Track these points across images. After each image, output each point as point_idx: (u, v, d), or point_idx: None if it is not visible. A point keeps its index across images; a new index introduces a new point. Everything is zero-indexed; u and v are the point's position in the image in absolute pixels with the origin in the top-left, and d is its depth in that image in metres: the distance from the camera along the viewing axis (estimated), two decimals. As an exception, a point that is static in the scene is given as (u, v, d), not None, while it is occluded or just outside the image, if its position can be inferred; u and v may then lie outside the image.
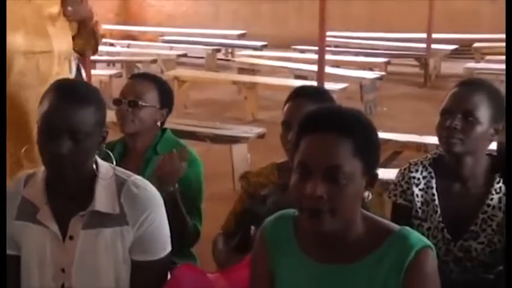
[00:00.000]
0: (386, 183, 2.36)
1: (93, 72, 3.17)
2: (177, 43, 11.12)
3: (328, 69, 6.90)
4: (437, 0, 9.55)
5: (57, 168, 1.75)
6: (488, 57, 9.26)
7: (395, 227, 1.58)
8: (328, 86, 6.19)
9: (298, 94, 2.31)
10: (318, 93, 2.34)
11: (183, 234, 2.32)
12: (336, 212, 1.48)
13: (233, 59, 10.51)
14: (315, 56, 6.59)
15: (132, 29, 13.05)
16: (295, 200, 1.53)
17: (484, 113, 2.10)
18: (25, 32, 2.68)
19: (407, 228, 1.57)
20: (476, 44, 10.15)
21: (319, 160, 1.49)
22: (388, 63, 9.24)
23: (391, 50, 10.04)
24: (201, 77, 8.63)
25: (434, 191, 2.19)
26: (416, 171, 2.22)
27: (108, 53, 9.81)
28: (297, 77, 8.33)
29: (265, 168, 2.42)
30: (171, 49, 10.62)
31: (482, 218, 2.14)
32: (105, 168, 1.84)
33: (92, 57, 4.73)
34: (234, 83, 8.12)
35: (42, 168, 1.82)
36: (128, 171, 1.88)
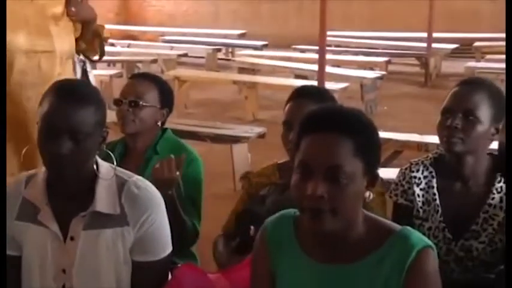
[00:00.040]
0: (388, 182, 2.35)
1: (93, 72, 3.17)
2: (177, 43, 11.12)
3: (328, 69, 6.90)
4: (437, 0, 9.55)
5: (58, 168, 1.74)
6: (488, 56, 9.26)
7: (396, 227, 1.57)
8: (329, 85, 6.19)
9: (300, 94, 2.31)
10: (319, 93, 2.33)
11: (182, 235, 2.31)
12: (337, 212, 1.48)
13: (233, 58, 10.52)
14: (316, 56, 6.59)
15: (132, 29, 13.05)
16: (296, 200, 1.53)
17: (484, 112, 2.09)
18: (27, 32, 2.68)
19: (408, 228, 1.57)
20: (476, 43, 10.16)
21: (320, 160, 1.49)
22: (388, 62, 9.24)
23: (392, 50, 10.04)
24: (201, 77, 8.63)
25: (435, 190, 2.19)
26: (417, 170, 2.22)
27: (109, 53, 9.77)
28: (298, 76, 8.33)
29: (267, 169, 2.42)
30: (171, 49, 10.63)
31: (484, 218, 2.14)
32: (105, 168, 1.84)
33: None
34: (235, 82, 8.12)
35: (43, 168, 1.82)
36: (128, 172, 1.88)
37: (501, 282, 1.92)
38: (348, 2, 12.10)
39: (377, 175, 1.57)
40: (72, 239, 1.80)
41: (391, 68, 9.39)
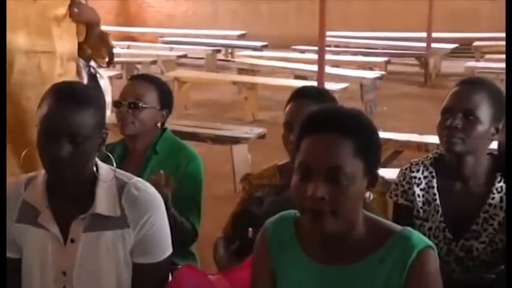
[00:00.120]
0: (388, 183, 2.35)
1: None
2: (176, 44, 11.12)
3: (328, 69, 6.91)
4: (436, 0, 9.56)
5: (57, 171, 1.74)
6: (488, 56, 9.26)
7: (397, 227, 1.57)
8: (329, 86, 6.20)
9: (300, 95, 2.30)
10: (320, 94, 2.33)
11: (178, 237, 2.32)
12: (338, 213, 1.48)
13: (233, 59, 10.51)
14: (315, 56, 6.60)
15: (131, 30, 13.05)
16: (296, 201, 1.52)
17: (484, 112, 2.09)
18: (27, 32, 2.69)
19: (409, 228, 1.57)
20: (476, 43, 10.17)
21: (320, 161, 1.48)
22: (388, 62, 9.25)
23: (391, 50, 10.05)
24: (201, 78, 8.63)
25: (435, 190, 2.19)
26: (418, 171, 2.21)
27: (108, 54, 9.79)
28: (297, 77, 8.33)
29: (267, 170, 2.42)
30: (171, 50, 10.63)
31: (484, 218, 2.14)
32: (105, 170, 1.83)
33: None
34: (234, 83, 8.13)
35: (43, 171, 1.82)
36: (128, 174, 1.88)
37: (502, 282, 1.92)
38: (347, 2, 12.11)
39: (377, 175, 1.57)
40: (72, 241, 1.79)
41: (390, 68, 9.39)
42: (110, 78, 8.00)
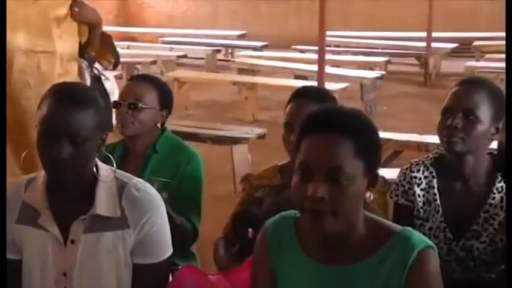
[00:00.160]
0: (389, 182, 2.35)
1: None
2: (176, 44, 11.12)
3: (328, 69, 6.91)
4: (436, -1, 9.57)
5: (57, 172, 1.74)
6: (488, 55, 9.27)
7: (397, 227, 1.57)
8: (329, 85, 6.20)
9: (300, 95, 2.30)
10: (320, 94, 2.33)
11: (178, 237, 2.32)
12: (338, 213, 1.48)
13: (233, 59, 10.51)
14: (315, 56, 6.60)
15: (131, 31, 13.05)
16: (296, 201, 1.52)
17: (484, 111, 2.09)
18: (27, 32, 2.69)
19: (409, 228, 1.57)
20: (476, 43, 10.17)
21: (320, 161, 1.48)
22: (388, 62, 9.25)
23: (391, 49, 10.05)
24: (201, 78, 8.63)
25: (435, 190, 2.19)
26: (418, 171, 2.21)
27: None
28: (297, 77, 8.33)
29: (267, 171, 2.41)
30: (170, 50, 10.63)
31: (484, 217, 2.14)
32: (105, 171, 1.83)
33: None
34: (234, 83, 8.13)
35: (43, 172, 1.81)
36: (128, 174, 1.88)
37: (502, 282, 1.92)
38: (347, 2, 12.12)
39: (377, 175, 1.56)
40: (72, 242, 1.79)
41: (390, 67, 9.39)
42: (110, 78, 8.02)
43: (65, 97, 1.74)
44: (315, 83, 5.77)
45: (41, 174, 1.83)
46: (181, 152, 2.52)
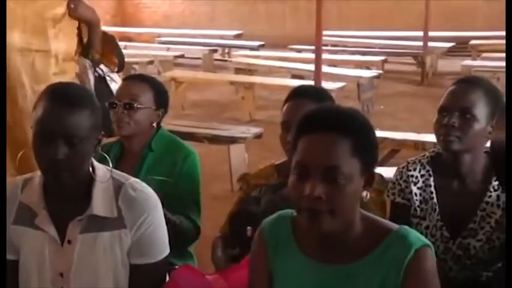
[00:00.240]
0: (386, 181, 2.35)
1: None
2: (173, 44, 11.12)
3: (325, 69, 6.91)
4: (433, -2, 9.58)
5: (54, 173, 1.73)
6: (484, 54, 9.28)
7: (394, 226, 1.57)
8: (326, 85, 6.20)
9: (297, 94, 2.30)
10: (317, 93, 2.32)
11: (179, 237, 2.32)
12: (335, 212, 1.48)
13: (230, 59, 10.51)
14: (312, 56, 6.60)
15: (128, 31, 13.04)
16: (293, 201, 1.52)
17: (481, 110, 2.10)
18: (22, 30, 2.70)
19: (406, 227, 1.57)
20: (472, 42, 10.18)
21: (317, 161, 1.48)
22: (385, 61, 9.27)
23: (388, 49, 10.06)
24: (198, 78, 8.63)
25: (432, 189, 2.19)
26: (415, 169, 2.22)
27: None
28: (294, 76, 8.34)
29: (264, 170, 2.41)
30: (167, 50, 10.62)
31: (481, 216, 2.14)
32: (102, 171, 1.83)
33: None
34: (231, 83, 8.13)
35: (39, 172, 1.81)
36: (125, 174, 1.87)
37: (499, 280, 1.92)
38: (344, 1, 12.12)
39: (374, 175, 1.57)
40: (69, 242, 1.79)
41: (387, 67, 9.40)
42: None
43: (60, 98, 1.73)
44: (312, 83, 5.77)
45: (38, 174, 1.83)
46: (178, 150, 2.52)
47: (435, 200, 2.18)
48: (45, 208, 1.79)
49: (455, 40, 10.34)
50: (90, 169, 1.80)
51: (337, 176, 1.47)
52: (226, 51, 11.59)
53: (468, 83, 2.19)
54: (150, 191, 1.84)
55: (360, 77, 7.81)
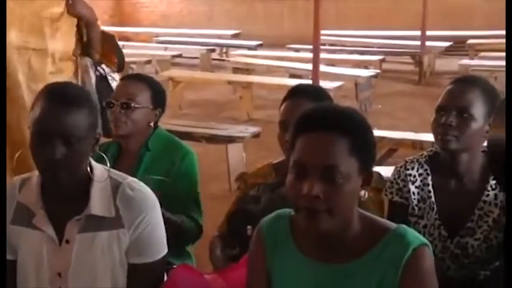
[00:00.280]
0: (385, 180, 2.35)
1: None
2: (171, 44, 11.11)
3: (323, 68, 6.91)
4: (431, -3, 9.58)
5: (52, 173, 1.73)
6: (482, 53, 9.29)
7: (392, 225, 1.57)
8: (324, 84, 6.19)
9: (295, 93, 2.30)
10: (315, 92, 2.32)
11: (180, 237, 2.33)
12: (333, 211, 1.48)
13: (228, 58, 10.51)
14: (310, 55, 6.59)
15: (126, 30, 13.03)
16: (291, 200, 1.52)
17: (479, 109, 2.10)
18: (19, 29, 2.70)
19: (404, 226, 1.57)
20: (470, 41, 10.19)
21: (315, 160, 1.48)
22: (382, 61, 9.27)
23: (386, 48, 10.06)
24: (196, 78, 8.63)
25: (430, 188, 2.19)
26: (412, 168, 2.22)
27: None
28: (292, 76, 8.34)
29: (262, 169, 2.41)
30: (165, 50, 10.62)
31: (479, 215, 2.14)
32: (99, 170, 1.83)
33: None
34: (229, 82, 8.12)
35: (37, 172, 1.81)
36: (122, 174, 1.87)
37: (496, 279, 1.92)
38: (342, 0, 12.12)
39: (372, 174, 1.57)
40: (67, 242, 1.79)
41: (385, 66, 9.40)
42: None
43: (58, 97, 1.73)
44: (309, 82, 5.77)
45: (35, 174, 1.82)
46: (175, 150, 2.51)
47: (433, 199, 2.18)
48: (43, 208, 1.79)
49: (453, 39, 10.35)
50: (88, 169, 1.80)
51: (335, 175, 1.47)
52: (224, 50, 11.59)
53: (466, 82, 2.19)
54: (147, 191, 1.84)
55: (358, 76, 7.81)
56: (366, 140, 1.55)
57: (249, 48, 10.69)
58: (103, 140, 2.47)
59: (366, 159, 1.54)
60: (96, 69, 2.99)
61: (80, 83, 2.96)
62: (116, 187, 1.80)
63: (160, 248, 1.84)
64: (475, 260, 2.13)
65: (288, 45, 10.54)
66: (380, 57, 9.33)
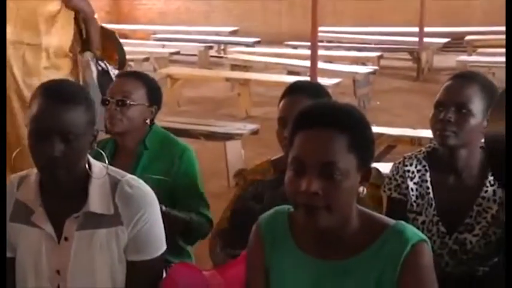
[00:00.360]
0: (383, 176, 2.35)
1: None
2: (169, 41, 11.10)
3: (321, 65, 6.90)
4: (428, -6, 9.58)
5: (50, 170, 1.73)
6: (480, 50, 9.29)
7: (391, 221, 1.58)
8: (322, 81, 6.19)
9: (293, 90, 2.29)
10: (314, 89, 2.32)
11: (191, 234, 2.34)
12: (332, 208, 1.48)
13: (226, 56, 10.50)
14: (308, 52, 6.59)
15: (123, 28, 13.00)
16: (289, 196, 1.52)
17: (477, 105, 2.10)
18: (13, 24, 2.71)
19: (402, 222, 1.57)
20: (468, 37, 10.19)
21: (314, 156, 1.48)
22: (380, 57, 9.27)
23: (384, 44, 10.06)
24: (194, 75, 8.62)
25: (428, 184, 2.19)
26: (411, 164, 2.22)
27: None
28: (290, 73, 8.33)
29: (261, 166, 2.41)
30: (163, 47, 10.61)
31: (477, 211, 2.14)
32: (98, 167, 1.83)
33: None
34: (227, 80, 8.12)
35: (35, 169, 1.81)
36: (121, 171, 1.87)
37: (495, 275, 1.93)
38: (339, -3, 12.12)
39: (370, 170, 1.57)
40: (66, 239, 1.79)
41: (383, 62, 9.40)
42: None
43: (55, 95, 1.73)
44: (307, 79, 5.77)
45: (33, 171, 1.82)
46: (173, 148, 2.51)
47: (431, 195, 2.18)
48: (42, 205, 1.79)
49: (451, 36, 10.35)
50: (87, 166, 1.80)
51: (334, 171, 1.47)
52: (222, 47, 11.57)
53: (464, 78, 2.19)
54: (146, 188, 1.84)
55: (356, 73, 7.81)
56: (364, 136, 1.55)
57: (247, 45, 10.68)
58: (104, 136, 2.47)
59: (365, 156, 1.54)
60: (98, 64, 2.99)
61: (80, 79, 2.96)
62: (114, 184, 1.80)
63: (159, 245, 1.84)
64: (473, 256, 2.14)
65: (286, 42, 10.54)
66: (378, 53, 9.33)
